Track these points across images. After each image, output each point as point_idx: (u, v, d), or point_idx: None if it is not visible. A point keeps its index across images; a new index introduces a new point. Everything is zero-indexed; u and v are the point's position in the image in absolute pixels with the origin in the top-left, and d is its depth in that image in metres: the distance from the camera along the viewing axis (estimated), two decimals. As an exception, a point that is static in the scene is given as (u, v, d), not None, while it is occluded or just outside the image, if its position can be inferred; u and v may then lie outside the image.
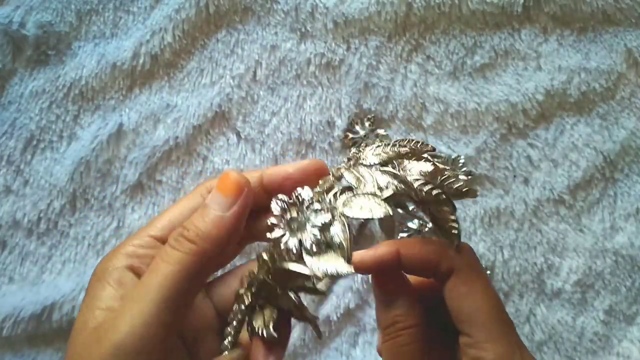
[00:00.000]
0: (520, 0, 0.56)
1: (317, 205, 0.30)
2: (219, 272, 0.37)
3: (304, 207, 0.30)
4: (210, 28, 0.57)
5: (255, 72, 0.57)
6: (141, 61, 0.56)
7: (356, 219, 0.29)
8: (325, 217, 0.29)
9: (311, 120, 0.56)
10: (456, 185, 0.29)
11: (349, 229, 0.29)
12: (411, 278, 0.31)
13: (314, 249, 0.29)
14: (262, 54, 0.57)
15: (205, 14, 0.56)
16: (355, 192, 0.30)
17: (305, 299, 0.31)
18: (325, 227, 0.29)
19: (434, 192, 0.28)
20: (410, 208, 0.32)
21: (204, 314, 0.34)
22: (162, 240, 0.31)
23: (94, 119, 0.56)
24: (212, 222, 0.30)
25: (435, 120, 0.56)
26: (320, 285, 0.31)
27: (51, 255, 0.55)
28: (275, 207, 0.30)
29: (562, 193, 0.55)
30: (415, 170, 0.29)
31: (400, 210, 0.31)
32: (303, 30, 0.57)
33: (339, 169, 0.32)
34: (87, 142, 0.55)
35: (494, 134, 0.56)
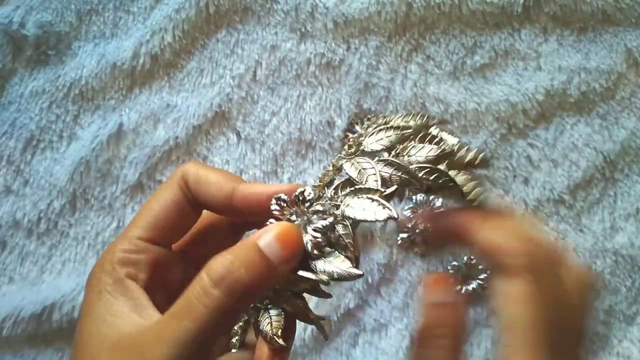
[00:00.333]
0: (520, 0, 0.56)
1: (318, 207, 0.29)
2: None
3: (305, 208, 0.29)
4: (210, 28, 0.57)
5: (255, 72, 0.57)
6: (141, 61, 0.56)
7: (359, 220, 0.28)
8: (327, 219, 0.28)
9: (311, 120, 0.56)
10: (467, 159, 0.28)
11: (352, 231, 0.28)
12: None
13: (316, 252, 0.28)
14: (262, 54, 0.57)
15: (205, 14, 0.56)
16: (356, 188, 0.29)
17: (310, 300, 0.31)
18: (327, 229, 0.28)
19: (440, 180, 0.27)
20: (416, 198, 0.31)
21: None
22: (152, 242, 0.30)
23: (94, 119, 0.56)
24: (267, 271, 0.27)
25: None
26: (327, 288, 0.30)
27: (51, 255, 0.55)
28: (276, 207, 0.29)
29: (562, 193, 0.55)
30: (420, 155, 0.29)
31: (405, 212, 0.31)
32: (303, 30, 0.57)
33: (340, 158, 0.31)
34: (87, 142, 0.55)
35: (494, 134, 0.56)
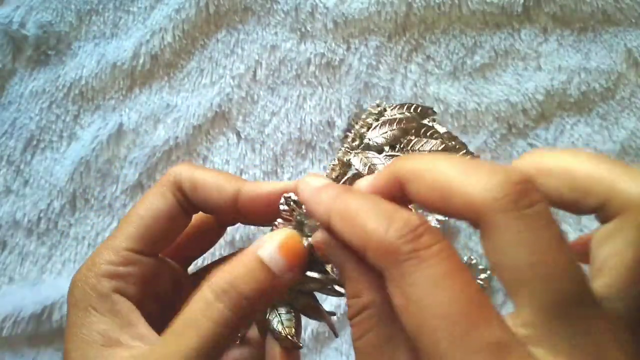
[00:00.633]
0: (520, 0, 0.56)
1: None
2: (202, 261, 0.35)
3: None
4: (210, 28, 0.57)
5: (255, 72, 0.57)
6: (141, 61, 0.56)
7: None
8: None
9: (311, 120, 0.56)
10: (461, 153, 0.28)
11: None
12: None
13: None
14: (262, 54, 0.57)
15: (205, 14, 0.56)
16: None
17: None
18: None
19: None
20: None
21: None
22: (143, 253, 0.28)
23: (94, 119, 0.56)
24: (270, 282, 0.26)
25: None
26: (339, 287, 0.29)
27: (51, 255, 0.55)
28: (285, 208, 0.28)
29: (562, 193, 0.55)
30: (424, 150, 0.29)
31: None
32: (303, 30, 0.57)
33: (345, 152, 0.31)
34: (87, 142, 0.55)
35: (494, 134, 0.56)
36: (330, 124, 0.56)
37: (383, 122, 0.30)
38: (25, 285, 0.54)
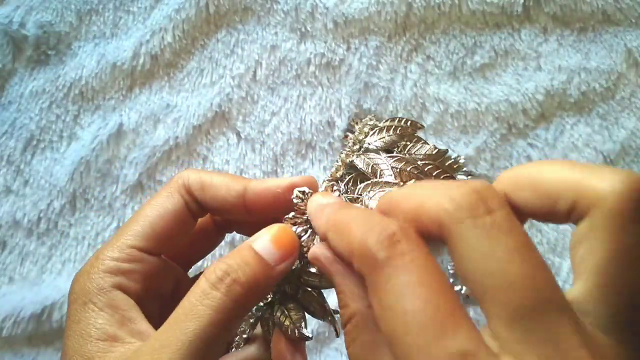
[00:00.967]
0: (520, 0, 0.56)
1: None
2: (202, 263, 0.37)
3: None
4: (210, 28, 0.57)
5: (255, 72, 0.57)
6: (141, 61, 0.56)
7: None
8: None
9: (311, 120, 0.56)
10: (449, 162, 0.30)
11: None
12: None
13: None
14: (262, 54, 0.57)
15: (205, 14, 0.56)
16: (373, 182, 0.29)
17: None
18: None
19: (442, 177, 0.29)
20: None
21: None
22: (148, 252, 0.29)
23: (94, 119, 0.56)
24: (264, 270, 0.27)
25: (435, 120, 0.56)
26: None
27: (51, 255, 0.55)
28: (298, 198, 0.29)
29: (562, 193, 0.55)
30: (420, 153, 0.30)
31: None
32: (303, 30, 0.57)
33: (348, 154, 0.32)
34: (87, 142, 0.55)
35: (494, 134, 0.56)
36: (330, 124, 0.56)
37: (380, 128, 0.32)
38: (25, 285, 0.54)
